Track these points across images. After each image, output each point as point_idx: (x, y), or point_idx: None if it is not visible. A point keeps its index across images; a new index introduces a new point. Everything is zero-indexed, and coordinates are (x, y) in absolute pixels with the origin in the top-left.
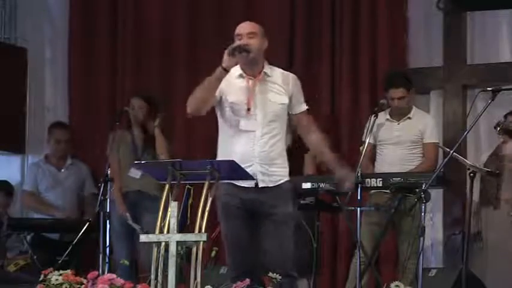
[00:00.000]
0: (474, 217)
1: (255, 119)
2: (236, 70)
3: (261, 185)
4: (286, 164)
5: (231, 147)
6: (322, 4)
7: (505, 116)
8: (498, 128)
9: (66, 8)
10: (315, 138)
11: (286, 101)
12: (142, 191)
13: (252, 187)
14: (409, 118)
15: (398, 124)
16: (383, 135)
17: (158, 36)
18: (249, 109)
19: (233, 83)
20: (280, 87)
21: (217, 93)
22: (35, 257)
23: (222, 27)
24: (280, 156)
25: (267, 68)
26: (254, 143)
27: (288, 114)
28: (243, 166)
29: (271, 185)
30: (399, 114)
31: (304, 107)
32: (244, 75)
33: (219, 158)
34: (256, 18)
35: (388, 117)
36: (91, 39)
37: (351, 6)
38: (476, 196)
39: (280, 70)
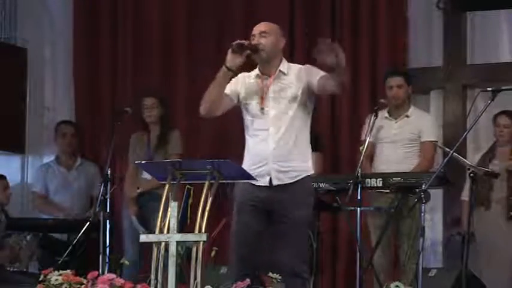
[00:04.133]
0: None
1: (267, 117)
2: (255, 71)
3: (275, 182)
4: (307, 158)
5: (249, 147)
6: (322, 4)
7: (495, 117)
8: None
9: (70, 8)
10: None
11: (299, 92)
12: (152, 191)
13: (266, 186)
14: (407, 116)
15: (396, 122)
16: (381, 133)
17: (158, 36)
18: (262, 108)
19: (250, 84)
20: (295, 81)
21: (234, 96)
22: (35, 257)
23: (222, 27)
24: (300, 150)
25: (284, 66)
26: (268, 141)
27: (313, 106)
28: (258, 165)
29: (287, 181)
30: (397, 112)
31: (321, 73)
32: (260, 74)
33: (244, 158)
34: (256, 19)
35: (386, 115)
36: (93, 40)
37: (351, 6)
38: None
39: (298, 65)
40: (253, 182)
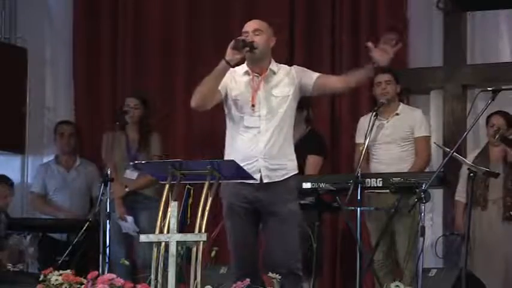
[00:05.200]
0: (464, 218)
1: (258, 115)
2: (242, 67)
3: (265, 180)
4: (294, 157)
5: (237, 143)
6: (322, 4)
7: (488, 117)
8: (496, 136)
9: (70, 8)
10: (336, 79)
11: (291, 91)
12: (138, 192)
13: (256, 183)
14: (397, 114)
15: (387, 122)
16: (374, 134)
17: (158, 36)
18: (253, 105)
19: (238, 80)
20: (286, 81)
21: (222, 90)
22: (35, 257)
23: (222, 27)
24: (288, 149)
25: (274, 65)
26: (258, 139)
27: (299, 107)
28: (247, 162)
29: (276, 179)
30: (387, 111)
31: (317, 74)
32: (250, 72)
33: (226, 155)
34: (256, 18)
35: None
36: (93, 40)
37: (351, 6)
38: (464, 197)
39: (286, 66)
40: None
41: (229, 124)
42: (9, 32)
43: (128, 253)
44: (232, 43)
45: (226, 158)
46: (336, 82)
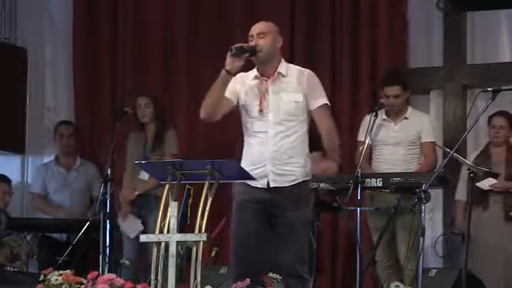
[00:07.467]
0: (465, 217)
1: (267, 120)
2: (253, 72)
3: (272, 184)
4: (305, 164)
5: (248, 148)
6: (322, 4)
7: (490, 118)
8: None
9: (70, 8)
10: (325, 130)
11: (301, 98)
12: (150, 192)
13: (264, 187)
14: (406, 118)
15: (395, 125)
16: (380, 135)
17: (158, 36)
18: (261, 110)
19: (248, 85)
20: (296, 85)
21: (234, 98)
22: (35, 257)
23: (222, 27)
24: (298, 155)
25: (283, 67)
26: (267, 143)
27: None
28: (256, 166)
29: (285, 184)
30: (395, 114)
31: (320, 102)
32: (258, 76)
33: (242, 160)
34: (257, 18)
35: (384, 117)
36: (93, 40)
37: (351, 6)
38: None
39: (298, 68)
40: (251, 183)
41: (244, 130)
42: (9, 32)
43: (139, 252)
44: (230, 50)
45: (242, 163)
46: (322, 130)
